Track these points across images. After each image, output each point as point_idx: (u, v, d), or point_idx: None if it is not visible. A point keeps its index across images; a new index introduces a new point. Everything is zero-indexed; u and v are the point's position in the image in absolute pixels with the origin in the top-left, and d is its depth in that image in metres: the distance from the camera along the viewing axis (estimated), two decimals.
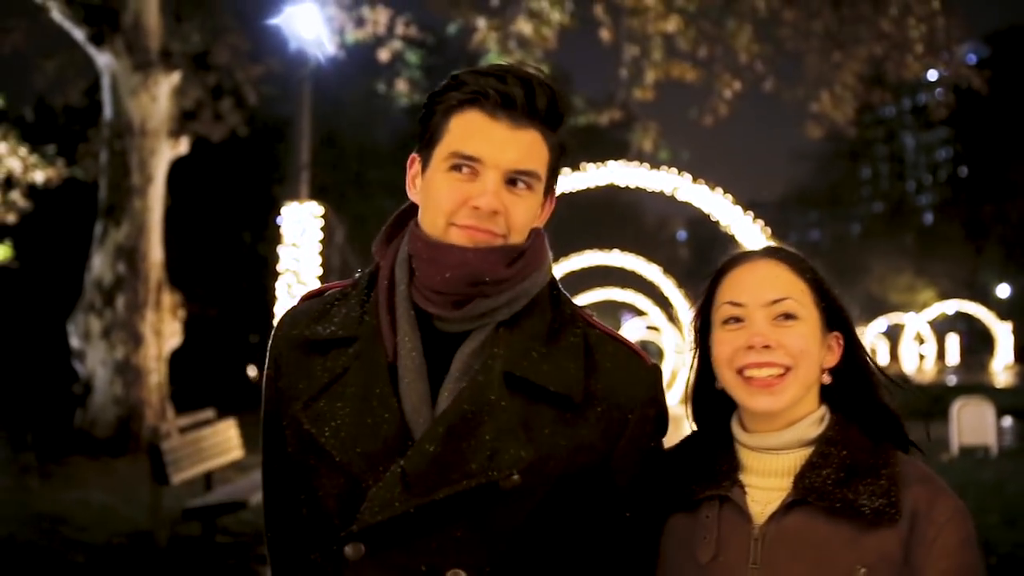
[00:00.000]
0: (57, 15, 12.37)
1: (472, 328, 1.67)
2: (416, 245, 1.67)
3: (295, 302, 1.85)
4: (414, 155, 1.70)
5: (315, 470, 1.66)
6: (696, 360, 1.96)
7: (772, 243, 14.01)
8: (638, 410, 1.73)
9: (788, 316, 1.80)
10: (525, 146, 1.64)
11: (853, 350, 1.87)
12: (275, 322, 1.83)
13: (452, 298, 1.64)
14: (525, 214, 1.67)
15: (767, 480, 1.80)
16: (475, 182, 1.62)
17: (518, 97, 1.61)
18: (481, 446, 1.59)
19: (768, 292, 1.81)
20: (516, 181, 1.65)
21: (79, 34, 12.54)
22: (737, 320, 1.82)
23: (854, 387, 1.87)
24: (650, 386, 1.77)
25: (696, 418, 1.99)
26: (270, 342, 1.81)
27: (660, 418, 1.80)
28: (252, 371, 29.75)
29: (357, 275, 1.81)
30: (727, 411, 1.93)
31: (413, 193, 1.72)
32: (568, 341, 1.72)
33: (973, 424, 13.71)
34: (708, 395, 1.93)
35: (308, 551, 1.72)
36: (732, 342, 1.81)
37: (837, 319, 1.86)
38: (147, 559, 8.04)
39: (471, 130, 1.62)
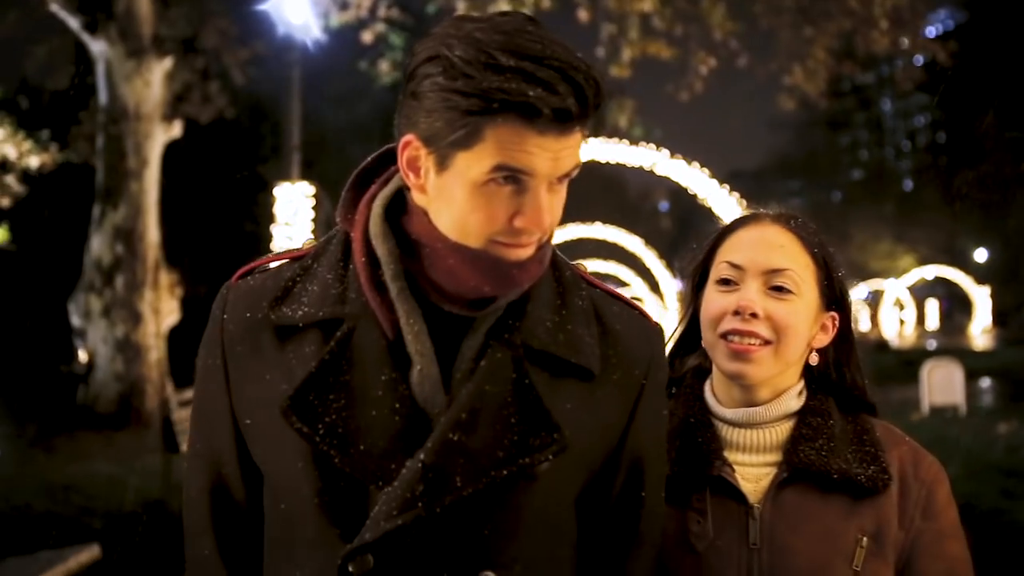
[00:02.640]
0: (54, 5, 12.72)
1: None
2: (437, 248, 1.44)
3: (234, 277, 1.59)
4: (415, 142, 1.41)
5: (301, 476, 1.43)
6: (686, 317, 1.90)
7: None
8: (652, 374, 1.60)
9: (783, 289, 1.73)
10: (571, 150, 1.42)
11: (846, 334, 1.82)
12: (216, 304, 1.56)
13: (472, 299, 1.47)
14: (559, 211, 1.51)
15: (754, 456, 1.74)
16: (515, 194, 1.40)
17: (572, 109, 1.34)
18: (507, 430, 1.43)
19: (769, 259, 1.74)
20: (556, 182, 1.45)
21: (74, 22, 12.90)
22: (730, 282, 1.76)
23: (835, 366, 1.83)
24: (659, 347, 1.63)
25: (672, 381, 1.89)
26: (213, 328, 1.54)
27: (667, 382, 1.67)
28: None
29: (307, 245, 1.60)
30: (700, 378, 1.89)
31: (417, 185, 1.43)
32: (577, 306, 1.57)
33: (942, 385, 14.27)
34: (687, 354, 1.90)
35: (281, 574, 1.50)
36: (721, 303, 1.75)
37: (836, 299, 1.80)
38: (161, 524, 8.53)
39: (518, 143, 1.36)
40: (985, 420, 13.60)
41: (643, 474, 1.60)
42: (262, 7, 13.44)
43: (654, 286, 33.88)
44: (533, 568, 1.50)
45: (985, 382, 21.81)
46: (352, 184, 1.56)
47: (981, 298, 52.32)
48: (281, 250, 1.64)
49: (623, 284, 41.44)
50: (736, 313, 1.72)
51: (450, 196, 1.40)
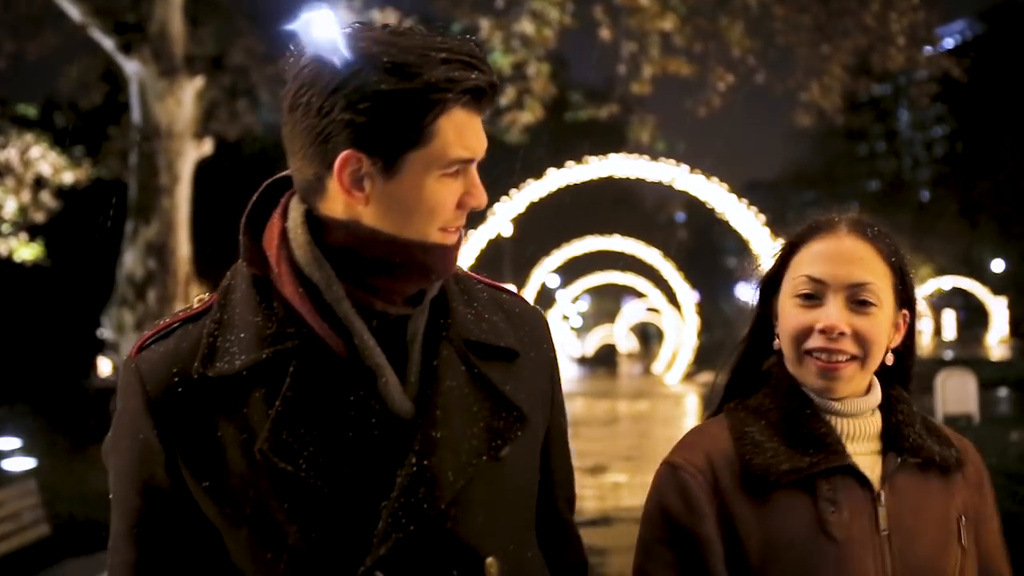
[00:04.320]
0: (91, 28, 13.09)
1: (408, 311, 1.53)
2: (377, 249, 1.45)
3: (133, 351, 1.53)
4: (357, 154, 1.41)
5: (287, 517, 1.41)
6: (754, 322, 1.90)
7: (765, 227, 14.67)
8: (553, 352, 1.72)
9: (867, 303, 1.73)
10: (482, 130, 1.51)
11: (912, 328, 1.84)
12: (123, 379, 1.51)
13: (411, 295, 1.51)
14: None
15: (863, 444, 1.74)
16: (461, 180, 1.49)
17: (493, 86, 1.47)
18: (474, 419, 1.50)
19: (851, 274, 1.73)
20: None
21: (108, 43, 13.25)
22: (812, 297, 1.75)
23: (896, 355, 1.84)
24: (549, 328, 1.75)
25: (736, 385, 1.91)
26: (131, 402, 1.48)
27: None
28: None
29: (204, 297, 1.58)
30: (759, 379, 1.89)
31: (355, 196, 1.44)
32: (482, 297, 1.65)
33: (956, 394, 14.51)
34: (756, 360, 1.90)
35: None
36: (804, 319, 1.74)
37: (909, 298, 1.82)
38: None
39: (464, 131, 1.45)
40: (998, 428, 13.82)
41: (563, 433, 1.79)
42: (290, 27, 13.77)
43: (671, 297, 34.00)
44: (520, 544, 1.59)
45: (1001, 392, 22.00)
46: (245, 229, 1.53)
47: (998, 309, 52.26)
48: (165, 319, 1.58)
49: (640, 295, 41.57)
50: (822, 331, 1.71)
51: (401, 198, 1.44)
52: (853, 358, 1.71)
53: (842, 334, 1.70)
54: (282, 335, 1.44)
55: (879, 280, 1.74)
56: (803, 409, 1.74)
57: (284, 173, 1.56)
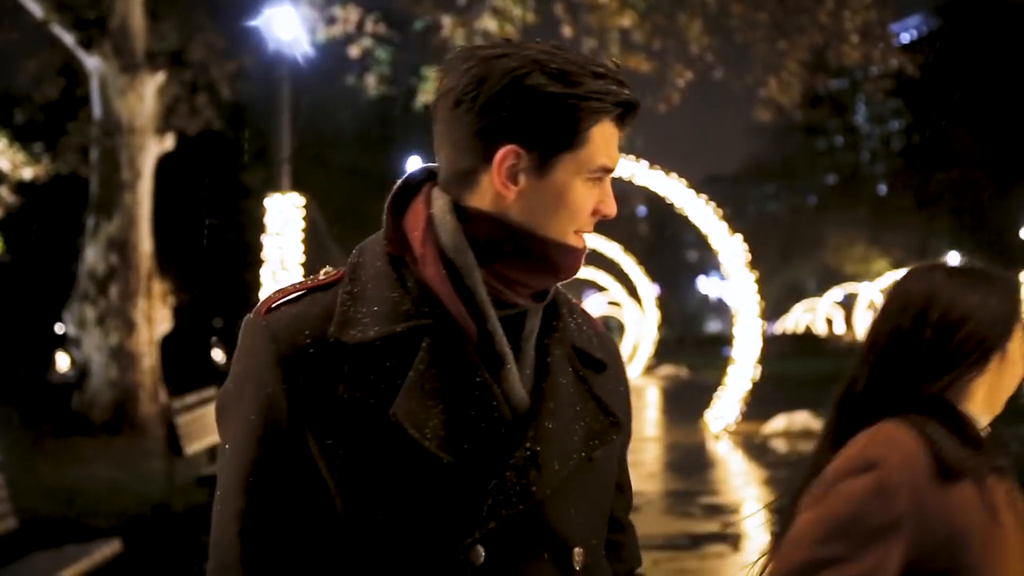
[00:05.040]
0: (53, 24, 13.04)
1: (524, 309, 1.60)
2: (519, 244, 1.54)
3: (262, 310, 1.58)
4: (517, 149, 1.50)
5: (404, 482, 1.48)
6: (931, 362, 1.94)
7: (723, 221, 14.88)
8: (624, 370, 1.80)
9: None
10: None
11: None
12: (251, 336, 1.56)
13: (537, 291, 1.60)
14: None
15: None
16: (599, 188, 1.58)
17: (638, 104, 1.59)
18: (577, 418, 1.58)
19: None
20: None
21: (69, 38, 13.22)
22: None
23: None
24: (619, 349, 1.83)
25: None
26: (260, 358, 1.53)
27: None
28: (218, 354, 30.58)
29: (331, 270, 1.64)
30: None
31: (510, 189, 1.52)
32: (576, 309, 1.75)
33: None
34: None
35: None
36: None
37: None
38: (167, 525, 8.88)
39: (610, 142, 1.55)
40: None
41: (627, 445, 1.83)
42: (252, 23, 13.79)
43: (632, 291, 34.21)
44: (599, 540, 1.66)
45: None
46: (389, 209, 1.62)
47: None
48: (292, 283, 1.64)
49: (602, 289, 41.78)
50: None
51: (548, 195, 1.53)
52: None
53: None
54: (418, 312, 1.51)
55: None
56: (968, 423, 1.91)
57: (428, 165, 1.64)
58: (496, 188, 1.52)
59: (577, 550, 1.56)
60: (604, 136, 1.53)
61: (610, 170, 1.57)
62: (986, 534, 1.78)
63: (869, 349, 1.99)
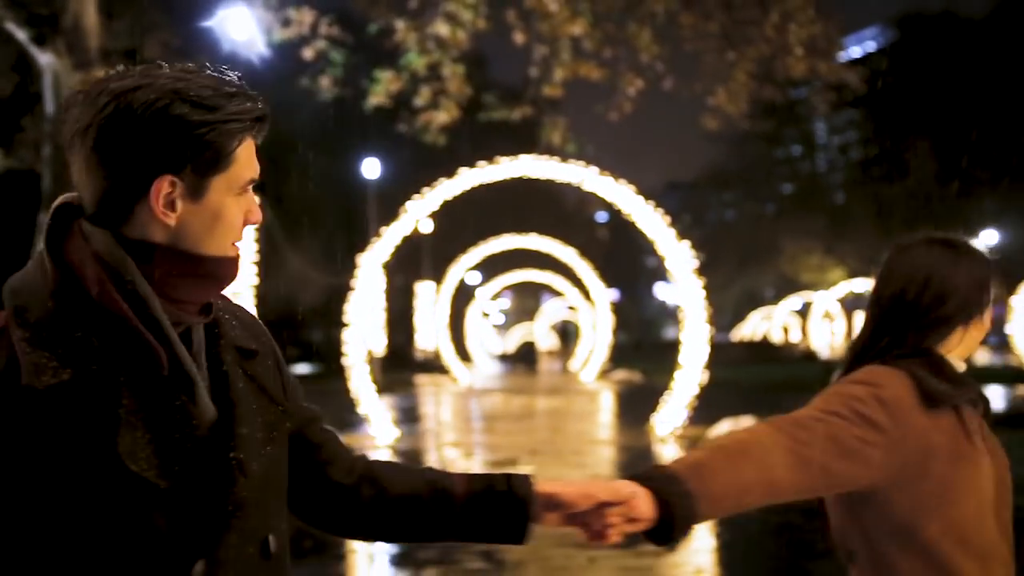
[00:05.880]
0: (7, 21, 13.06)
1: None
2: (185, 266, 1.60)
3: None
4: (171, 179, 1.55)
5: (124, 513, 1.51)
6: (924, 318, 2.32)
7: (671, 229, 15.11)
8: (271, 341, 1.86)
9: None
10: None
11: None
12: None
13: (203, 305, 1.67)
14: None
15: None
16: (245, 199, 1.65)
17: (267, 115, 1.66)
18: (256, 414, 1.68)
19: None
20: None
21: (22, 35, 13.24)
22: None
23: None
24: (260, 323, 1.89)
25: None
26: None
27: None
28: None
29: None
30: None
31: (169, 217, 1.57)
32: (223, 304, 1.79)
33: None
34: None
35: None
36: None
37: None
38: None
39: (252, 156, 1.64)
40: None
41: (311, 410, 1.94)
42: (207, 23, 13.89)
43: (587, 295, 34.46)
44: (285, 522, 1.77)
45: None
46: (49, 250, 1.59)
47: None
48: None
49: (558, 294, 42.01)
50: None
51: (206, 216, 1.59)
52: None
53: None
54: (107, 347, 1.53)
55: None
56: (947, 364, 2.27)
57: (64, 199, 1.63)
58: (155, 217, 1.57)
59: (271, 537, 1.66)
60: (247, 151, 1.63)
61: (255, 181, 1.66)
62: (960, 452, 2.15)
63: (873, 306, 2.37)
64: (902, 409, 2.15)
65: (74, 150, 1.57)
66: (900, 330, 2.30)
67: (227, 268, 1.65)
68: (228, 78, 1.60)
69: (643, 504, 1.94)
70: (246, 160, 1.63)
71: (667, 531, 1.96)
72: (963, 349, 2.35)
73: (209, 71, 1.60)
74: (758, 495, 2.09)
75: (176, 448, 1.54)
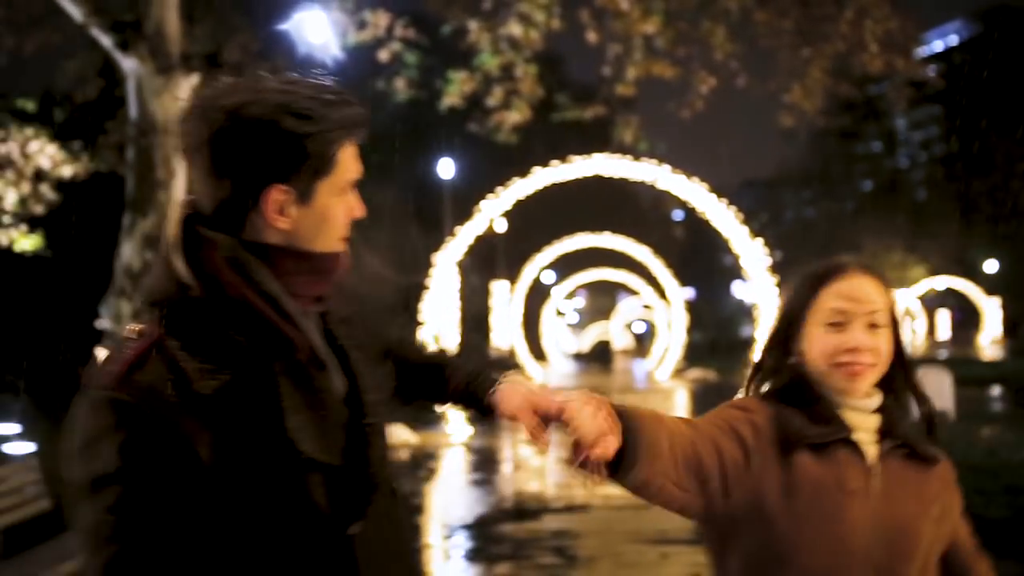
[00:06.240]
0: (93, 28, 13.43)
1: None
2: (304, 264, 1.75)
3: (110, 384, 1.64)
4: (281, 187, 1.68)
5: (291, 490, 1.67)
6: (775, 341, 2.31)
7: (744, 227, 15.04)
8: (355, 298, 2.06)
9: (877, 325, 2.18)
10: None
11: (899, 343, 2.26)
12: (109, 411, 1.63)
13: (319, 296, 1.83)
14: None
15: (863, 435, 2.17)
16: (349, 196, 1.80)
17: (366, 118, 1.80)
18: (374, 374, 1.91)
19: (868, 304, 2.18)
20: None
21: (107, 41, 13.60)
22: (838, 324, 2.18)
23: (893, 367, 2.26)
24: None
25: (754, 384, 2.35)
26: (127, 427, 1.59)
27: None
28: None
29: (139, 328, 1.71)
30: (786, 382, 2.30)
31: (282, 222, 1.70)
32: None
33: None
34: (773, 368, 2.31)
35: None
36: (833, 342, 2.18)
37: (895, 319, 2.26)
38: None
39: (353, 158, 1.77)
40: (972, 425, 14.19)
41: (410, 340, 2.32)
42: (283, 26, 14.14)
43: (663, 293, 34.29)
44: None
45: (993, 390, 22.50)
46: (187, 260, 1.70)
47: (991, 309, 52.56)
48: (116, 349, 1.71)
49: (633, 292, 41.86)
50: (849, 350, 2.16)
51: (315, 218, 1.74)
52: (871, 366, 2.17)
53: (864, 350, 2.16)
54: (256, 345, 1.67)
55: (884, 308, 2.21)
56: (821, 402, 2.20)
57: (183, 208, 1.77)
58: (269, 222, 1.71)
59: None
60: (349, 154, 1.77)
61: (356, 180, 1.81)
62: (832, 497, 2.08)
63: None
64: (755, 435, 2.17)
65: (193, 162, 1.71)
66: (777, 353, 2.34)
67: (336, 262, 1.81)
68: (328, 85, 1.74)
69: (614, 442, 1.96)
70: (348, 162, 1.78)
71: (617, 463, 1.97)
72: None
73: (309, 80, 1.74)
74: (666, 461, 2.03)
75: (331, 427, 1.75)
